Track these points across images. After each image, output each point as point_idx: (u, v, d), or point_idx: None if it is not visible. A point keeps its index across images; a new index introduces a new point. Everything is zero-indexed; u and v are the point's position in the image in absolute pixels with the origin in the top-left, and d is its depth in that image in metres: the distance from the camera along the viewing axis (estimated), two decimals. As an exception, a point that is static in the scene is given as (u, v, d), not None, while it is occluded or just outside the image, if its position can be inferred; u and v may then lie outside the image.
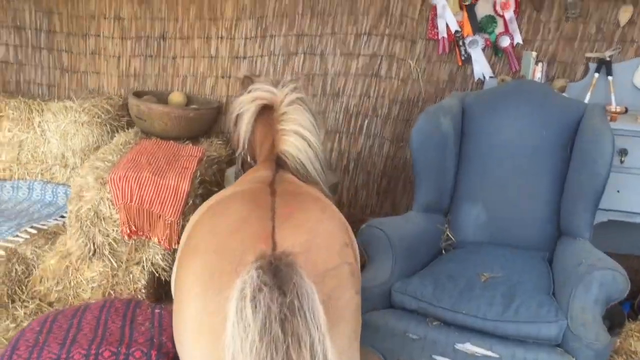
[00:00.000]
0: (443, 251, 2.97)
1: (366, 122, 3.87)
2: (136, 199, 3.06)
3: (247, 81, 2.51)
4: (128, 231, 3.09)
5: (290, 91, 2.16)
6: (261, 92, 2.18)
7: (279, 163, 2.10)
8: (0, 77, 4.37)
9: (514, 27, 3.57)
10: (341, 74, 3.85)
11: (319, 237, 1.52)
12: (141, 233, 3.13)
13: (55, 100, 3.97)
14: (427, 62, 3.73)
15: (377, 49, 3.77)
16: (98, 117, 3.82)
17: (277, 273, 1.28)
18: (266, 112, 2.16)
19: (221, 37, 3.96)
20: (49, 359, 2.11)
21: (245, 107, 2.19)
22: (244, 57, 3.96)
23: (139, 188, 3.07)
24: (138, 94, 3.95)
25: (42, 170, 3.94)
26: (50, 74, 4.30)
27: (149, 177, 3.12)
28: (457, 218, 3.02)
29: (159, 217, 3.11)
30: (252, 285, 1.24)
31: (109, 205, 3.09)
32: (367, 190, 3.95)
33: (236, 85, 4.00)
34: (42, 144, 3.93)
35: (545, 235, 2.89)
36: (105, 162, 3.27)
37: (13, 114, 3.93)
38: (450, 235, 3.00)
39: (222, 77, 4.03)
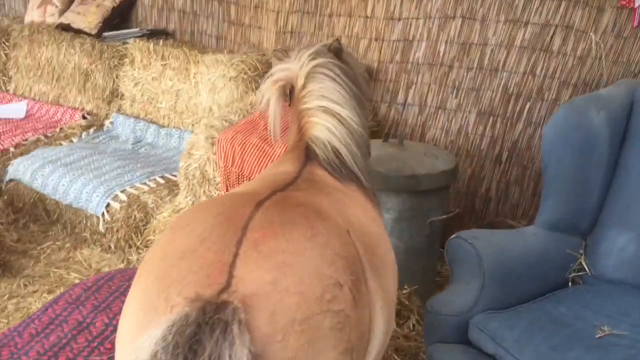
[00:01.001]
0: (570, 283, 2.33)
1: (528, 105, 3.20)
2: (237, 163, 2.92)
3: (280, 56, 2.16)
4: (225, 197, 2.97)
5: (307, 60, 1.80)
6: (278, 72, 1.87)
7: (308, 154, 1.75)
8: (178, 25, 4.55)
9: None
10: (503, 45, 3.20)
11: (292, 275, 1.14)
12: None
13: (209, 53, 3.97)
14: (615, 37, 2.91)
15: (550, 16, 3.04)
16: (244, 73, 3.73)
17: (201, 334, 0.98)
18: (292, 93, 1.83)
19: (378, -5, 3.57)
20: (74, 320, 2.10)
21: (267, 94, 1.89)
22: (399, 19, 3.52)
23: (242, 153, 2.92)
24: (286, 52, 3.77)
25: (193, 121, 4.02)
26: (219, 25, 4.34)
27: (256, 142, 2.94)
28: (598, 245, 2.32)
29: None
30: (154, 347, 0.98)
31: (213, 167, 3.00)
32: (520, 188, 3.30)
33: (389, 50, 3.61)
34: (195, 96, 4.00)
35: None
36: (224, 122, 3.18)
37: (174, 63, 4.06)
38: (585, 264, 2.33)
39: (376, 39, 3.64)
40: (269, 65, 3.79)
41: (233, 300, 1.04)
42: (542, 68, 3.11)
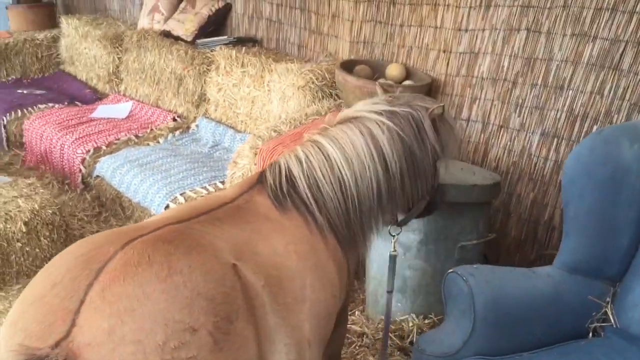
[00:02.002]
0: (590, 334, 2.08)
1: (594, 128, 2.89)
2: (274, 176, 2.95)
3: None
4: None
5: (372, 107, 1.86)
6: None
7: (260, 179, 1.74)
8: (266, 33, 4.67)
9: None
10: (569, 61, 2.92)
11: (131, 323, 1.10)
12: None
13: (282, 61, 4.04)
14: (695, 55, 2.55)
15: (620, 31, 2.71)
16: (312, 83, 3.75)
17: None
18: None
19: (447, 5, 3.41)
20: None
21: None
22: (466, 30, 3.34)
23: (279, 165, 2.94)
24: (355, 62, 3.74)
25: (266, 128, 4.12)
26: (300, 34, 4.40)
27: (294, 155, 2.95)
28: (626, 295, 2.05)
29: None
30: None
31: (254, 177, 3.06)
32: (584, 217, 2.99)
33: (456, 63, 3.44)
34: (267, 103, 4.09)
35: None
36: (272, 132, 3.23)
37: (252, 70, 4.18)
38: (610, 315, 2.08)
39: (444, 51, 3.49)
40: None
41: (66, 353, 1.04)
42: (611, 88, 2.79)
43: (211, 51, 4.56)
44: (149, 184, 3.63)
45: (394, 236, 2.14)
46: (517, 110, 3.19)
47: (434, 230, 2.58)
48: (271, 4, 4.53)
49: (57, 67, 6.20)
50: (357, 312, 3.02)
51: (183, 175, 3.70)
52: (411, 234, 2.60)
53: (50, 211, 3.23)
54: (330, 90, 3.77)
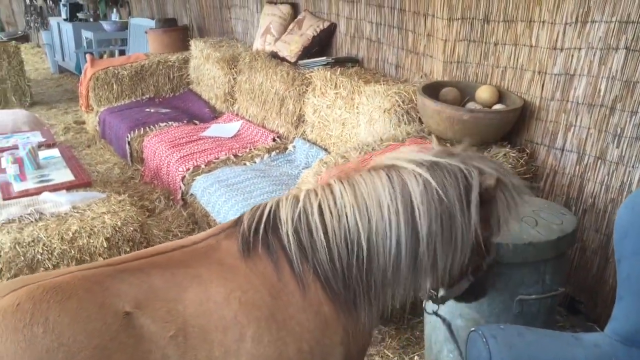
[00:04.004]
0: (648, 422, 1.71)
1: None
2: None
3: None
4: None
5: (406, 157, 1.64)
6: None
7: (239, 221, 1.65)
8: (366, 53, 4.56)
9: None
10: (673, 84, 2.47)
11: None
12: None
13: (371, 83, 3.90)
14: None
15: None
16: (398, 106, 3.58)
17: None
18: None
19: (543, 21, 3.06)
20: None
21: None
22: (561, 49, 2.97)
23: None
24: (443, 84, 3.51)
25: (335, 153, 4.00)
26: (398, 53, 4.23)
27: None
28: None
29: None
30: None
31: (314, 205, 2.96)
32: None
33: (550, 86, 3.08)
34: (357, 125, 3.98)
35: None
36: (340, 158, 3.11)
37: (344, 92, 4.10)
38: (676, 401, 1.69)
39: (539, 72, 3.14)
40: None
41: None
42: None
43: (310, 72, 4.55)
44: (230, 205, 3.68)
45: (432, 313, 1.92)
46: (615, 141, 2.76)
47: (486, 278, 2.29)
48: (371, 23, 4.41)
49: (187, 87, 6.60)
50: None
51: (263, 198, 3.70)
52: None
53: (132, 228, 3.37)
54: (418, 114, 3.56)
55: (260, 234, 1.57)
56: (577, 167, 2.99)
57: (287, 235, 1.57)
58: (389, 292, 1.67)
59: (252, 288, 1.49)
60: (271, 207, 1.63)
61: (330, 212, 1.59)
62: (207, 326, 1.34)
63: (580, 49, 2.87)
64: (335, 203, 1.60)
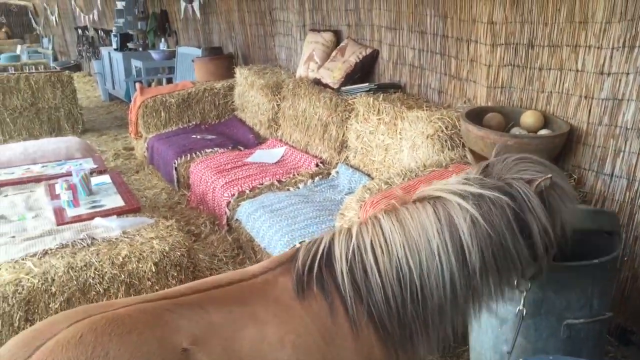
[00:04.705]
0: None
1: None
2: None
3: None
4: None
5: (450, 189, 1.67)
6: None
7: (295, 256, 1.67)
8: (409, 79, 4.59)
9: None
10: None
11: None
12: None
13: (414, 109, 3.91)
14: None
15: None
16: (441, 131, 3.59)
17: None
18: None
19: (589, 46, 3.04)
20: None
21: None
22: (608, 74, 2.94)
23: (380, 221, 2.82)
24: (487, 110, 3.50)
25: (379, 179, 4.01)
26: (441, 79, 4.24)
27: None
28: None
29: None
30: None
31: (358, 231, 2.97)
32: None
33: (598, 110, 3.04)
34: (400, 151, 3.99)
35: None
36: (384, 184, 3.12)
37: (386, 118, 4.12)
38: None
39: (585, 97, 3.10)
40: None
41: None
42: None
43: (353, 98, 4.59)
44: (275, 230, 3.72)
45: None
46: (666, 166, 2.71)
47: (531, 303, 2.26)
48: (413, 50, 4.44)
49: (232, 114, 6.73)
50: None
51: (307, 223, 3.73)
52: (508, 304, 2.31)
53: (179, 253, 3.45)
54: (461, 140, 3.55)
55: (314, 272, 1.59)
56: (627, 193, 2.92)
57: (343, 275, 1.58)
58: (446, 323, 1.68)
59: (306, 332, 1.51)
60: (325, 244, 1.65)
61: (382, 249, 1.60)
62: None
63: (628, 73, 2.84)
64: (385, 239, 1.61)
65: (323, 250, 1.63)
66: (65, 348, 1.22)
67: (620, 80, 2.89)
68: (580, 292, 2.24)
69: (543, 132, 3.25)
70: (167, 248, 3.41)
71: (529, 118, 3.34)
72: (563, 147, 3.18)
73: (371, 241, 1.62)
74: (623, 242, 2.88)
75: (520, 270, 1.76)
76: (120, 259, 3.18)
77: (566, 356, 1.90)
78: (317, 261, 1.60)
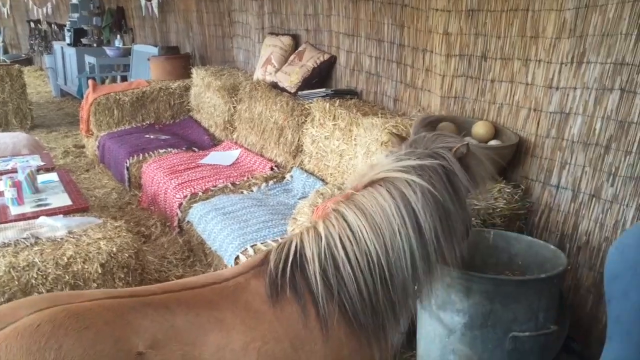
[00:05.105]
0: None
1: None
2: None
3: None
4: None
5: (393, 166, 1.75)
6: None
7: (266, 260, 1.66)
8: (365, 86, 4.62)
9: None
10: (666, 127, 2.51)
11: None
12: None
13: (369, 115, 3.94)
14: None
15: None
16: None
17: None
18: None
19: (539, 60, 3.12)
20: None
21: None
22: (557, 88, 3.02)
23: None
24: (440, 119, 3.55)
25: (332, 185, 4.03)
26: (396, 87, 4.29)
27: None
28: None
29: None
30: None
31: (310, 236, 2.97)
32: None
33: (546, 123, 3.12)
34: (353, 157, 4.01)
35: None
36: (336, 189, 3.13)
37: (342, 124, 4.14)
38: None
39: (535, 110, 3.18)
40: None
41: None
42: None
43: (309, 103, 4.60)
44: (226, 233, 3.68)
45: None
46: (610, 180, 2.79)
47: (480, 315, 2.30)
48: (370, 57, 4.48)
49: (187, 115, 6.65)
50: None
51: (259, 227, 3.71)
52: (455, 316, 2.34)
53: (127, 254, 3.37)
54: (414, 147, 3.59)
55: (287, 274, 1.58)
56: (572, 204, 3.01)
57: (315, 275, 1.58)
58: (410, 302, 1.77)
59: (274, 338, 1.49)
60: (296, 246, 1.65)
61: (350, 241, 1.63)
62: None
63: (575, 88, 2.92)
64: (352, 231, 1.65)
65: (295, 252, 1.63)
66: (20, 335, 1.21)
67: (567, 94, 2.97)
68: (527, 305, 2.29)
69: (493, 142, 3.32)
70: (114, 249, 3.33)
71: (480, 128, 3.40)
72: (512, 157, 3.25)
73: (339, 236, 1.65)
74: (567, 253, 2.97)
75: (457, 232, 1.87)
76: (65, 260, 3.09)
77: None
78: (289, 264, 1.60)
